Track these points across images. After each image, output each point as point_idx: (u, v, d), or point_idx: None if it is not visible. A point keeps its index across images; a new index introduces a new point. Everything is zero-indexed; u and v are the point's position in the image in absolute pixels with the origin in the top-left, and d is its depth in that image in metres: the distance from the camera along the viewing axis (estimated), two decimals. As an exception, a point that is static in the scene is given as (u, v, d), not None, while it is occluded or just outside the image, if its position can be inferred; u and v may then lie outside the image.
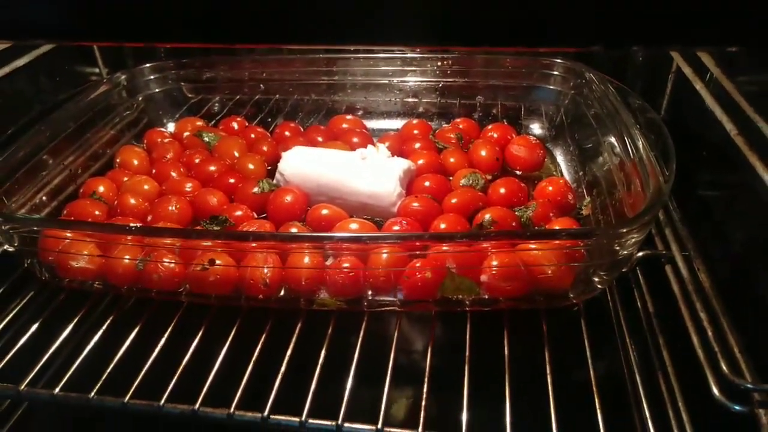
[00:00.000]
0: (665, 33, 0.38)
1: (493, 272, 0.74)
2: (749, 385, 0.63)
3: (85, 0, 0.38)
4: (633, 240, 0.71)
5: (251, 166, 1.04)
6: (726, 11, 0.37)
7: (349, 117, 1.19)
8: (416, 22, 0.37)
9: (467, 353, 0.72)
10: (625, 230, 0.70)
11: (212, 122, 1.23)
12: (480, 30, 0.39)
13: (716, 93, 0.84)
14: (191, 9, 0.37)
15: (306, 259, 0.77)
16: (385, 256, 0.75)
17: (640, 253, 0.83)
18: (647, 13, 0.37)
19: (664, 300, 0.80)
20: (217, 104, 1.28)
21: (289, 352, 0.74)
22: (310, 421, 0.67)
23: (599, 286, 0.77)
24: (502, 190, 0.94)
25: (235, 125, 1.19)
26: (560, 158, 1.09)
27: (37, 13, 0.41)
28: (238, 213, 0.91)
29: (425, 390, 0.68)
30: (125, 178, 1.01)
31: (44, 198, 0.96)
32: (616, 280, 0.84)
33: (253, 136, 1.14)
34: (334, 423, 0.66)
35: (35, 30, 0.42)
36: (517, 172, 1.05)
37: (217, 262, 0.77)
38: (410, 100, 1.22)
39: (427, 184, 0.97)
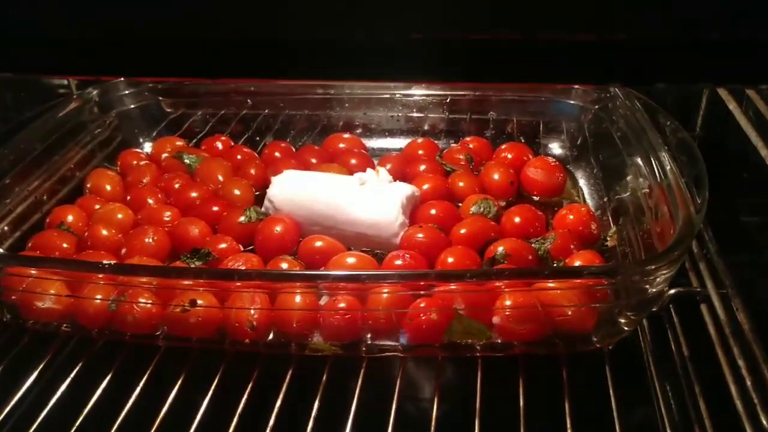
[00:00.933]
0: (685, 70, 0.40)
1: (507, 314, 0.76)
2: (791, 441, 0.64)
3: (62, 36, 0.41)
4: (662, 277, 0.73)
5: (237, 192, 1.06)
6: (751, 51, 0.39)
7: (346, 135, 1.22)
8: (422, 57, 0.40)
9: (478, 403, 0.74)
10: (652, 267, 0.72)
11: (193, 141, 1.25)
12: (494, 65, 0.42)
13: (752, 114, 0.86)
14: (177, 45, 0.40)
15: (297, 299, 0.79)
16: (385, 296, 0.77)
17: (672, 291, 0.84)
18: (666, 52, 0.40)
19: (701, 342, 0.81)
20: (199, 121, 1.30)
21: (278, 403, 0.75)
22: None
23: (626, 327, 0.79)
24: (517, 219, 0.96)
25: (220, 145, 1.22)
26: (582, 182, 1.11)
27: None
28: (223, 245, 0.94)
29: (431, 445, 0.70)
30: (97, 206, 1.03)
31: (6, 228, 0.99)
32: (647, 320, 0.85)
33: (239, 157, 1.17)
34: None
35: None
36: (534, 198, 1.07)
37: (199, 302, 0.79)
38: (415, 115, 1.24)
39: (433, 212, 0.99)
